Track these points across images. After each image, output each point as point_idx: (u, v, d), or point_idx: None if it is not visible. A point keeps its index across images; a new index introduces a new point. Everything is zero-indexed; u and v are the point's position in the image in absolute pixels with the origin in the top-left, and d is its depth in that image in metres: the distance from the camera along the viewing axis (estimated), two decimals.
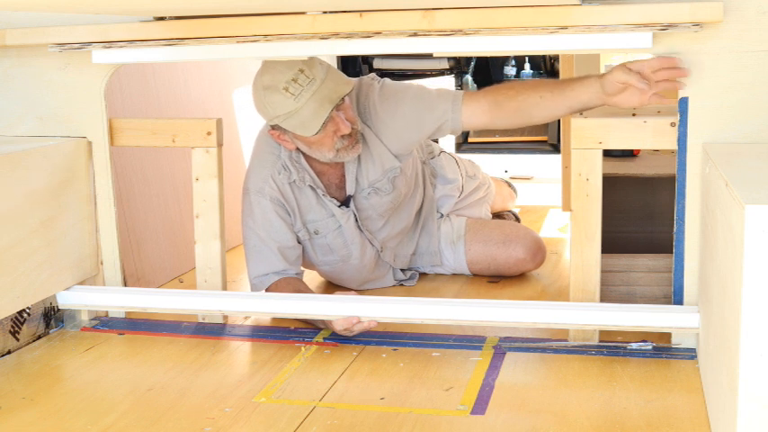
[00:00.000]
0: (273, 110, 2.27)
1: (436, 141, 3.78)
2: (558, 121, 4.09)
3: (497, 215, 3.27)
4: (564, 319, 2.07)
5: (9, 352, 2.19)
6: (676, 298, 2.08)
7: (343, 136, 2.32)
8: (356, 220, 2.55)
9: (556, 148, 4.83)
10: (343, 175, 2.51)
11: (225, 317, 2.41)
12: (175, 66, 3.14)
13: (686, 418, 1.73)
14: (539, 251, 2.78)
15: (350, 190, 2.52)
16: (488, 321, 2.15)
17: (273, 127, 2.36)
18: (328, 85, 2.26)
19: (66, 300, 2.35)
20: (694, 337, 2.07)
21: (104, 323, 2.40)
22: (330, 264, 2.64)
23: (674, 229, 2.07)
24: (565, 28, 1.99)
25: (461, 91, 2.43)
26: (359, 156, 2.46)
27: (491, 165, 4.31)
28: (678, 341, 2.09)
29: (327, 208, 2.51)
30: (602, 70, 3.33)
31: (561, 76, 3.62)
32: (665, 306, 2.09)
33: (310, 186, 2.48)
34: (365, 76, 2.55)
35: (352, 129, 2.34)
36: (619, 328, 2.07)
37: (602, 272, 2.20)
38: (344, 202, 2.54)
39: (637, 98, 2.07)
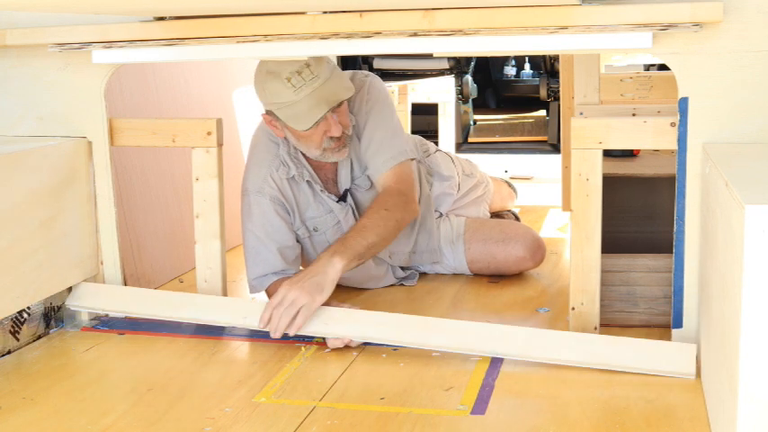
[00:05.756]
0: (272, 96, 2.29)
1: (435, 141, 3.78)
2: (558, 121, 4.09)
3: (497, 215, 3.27)
4: (559, 358, 2.03)
5: (9, 352, 2.19)
6: (676, 298, 2.08)
7: (332, 137, 2.34)
8: (354, 215, 2.55)
9: (556, 148, 4.83)
10: (336, 171, 2.52)
11: None
12: (175, 66, 3.14)
13: (686, 418, 1.73)
14: (538, 249, 2.78)
15: (345, 184, 2.52)
16: (479, 352, 2.07)
17: (267, 112, 2.37)
18: (329, 87, 2.27)
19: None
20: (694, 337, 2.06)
21: (104, 323, 2.40)
22: None
23: (674, 229, 2.07)
24: (565, 28, 1.99)
25: (403, 154, 2.50)
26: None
27: (491, 165, 4.31)
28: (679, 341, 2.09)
29: (325, 204, 2.52)
30: (603, 70, 3.33)
31: (561, 75, 3.62)
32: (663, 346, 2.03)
33: (308, 182, 2.48)
34: (359, 71, 2.57)
35: (343, 133, 2.35)
36: (611, 368, 1.99)
37: (603, 272, 2.19)
38: (341, 198, 2.54)
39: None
